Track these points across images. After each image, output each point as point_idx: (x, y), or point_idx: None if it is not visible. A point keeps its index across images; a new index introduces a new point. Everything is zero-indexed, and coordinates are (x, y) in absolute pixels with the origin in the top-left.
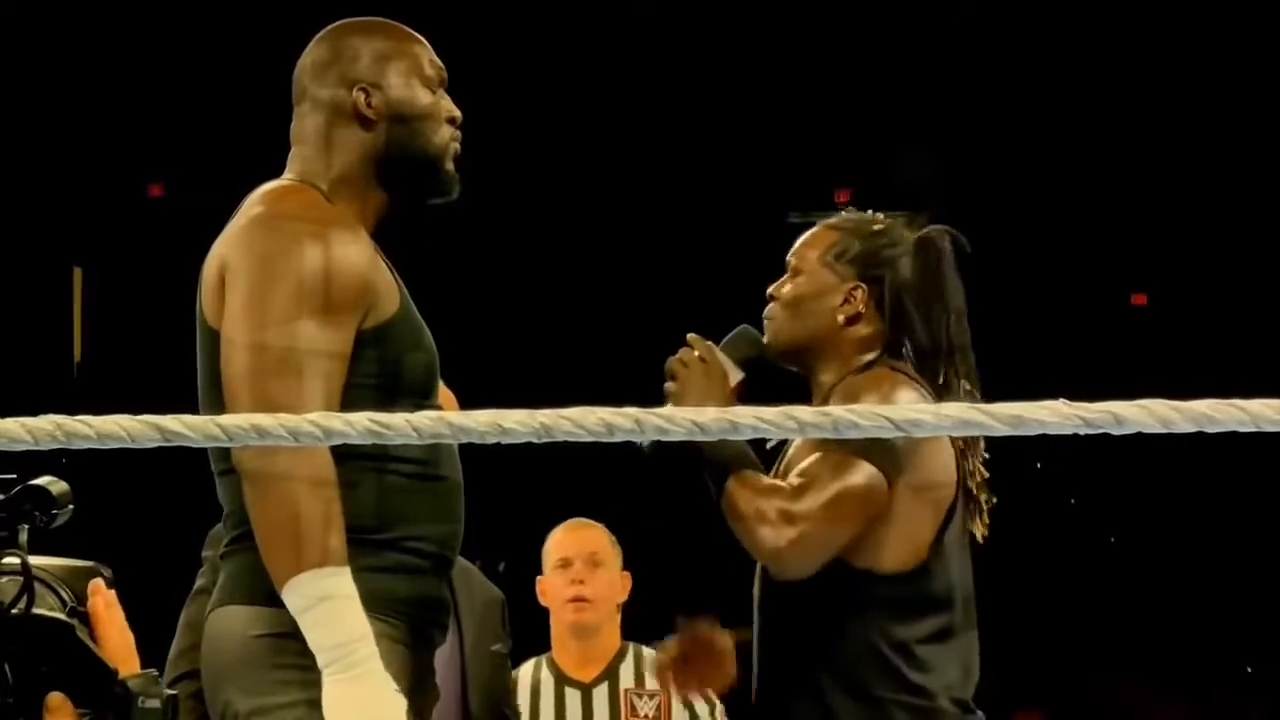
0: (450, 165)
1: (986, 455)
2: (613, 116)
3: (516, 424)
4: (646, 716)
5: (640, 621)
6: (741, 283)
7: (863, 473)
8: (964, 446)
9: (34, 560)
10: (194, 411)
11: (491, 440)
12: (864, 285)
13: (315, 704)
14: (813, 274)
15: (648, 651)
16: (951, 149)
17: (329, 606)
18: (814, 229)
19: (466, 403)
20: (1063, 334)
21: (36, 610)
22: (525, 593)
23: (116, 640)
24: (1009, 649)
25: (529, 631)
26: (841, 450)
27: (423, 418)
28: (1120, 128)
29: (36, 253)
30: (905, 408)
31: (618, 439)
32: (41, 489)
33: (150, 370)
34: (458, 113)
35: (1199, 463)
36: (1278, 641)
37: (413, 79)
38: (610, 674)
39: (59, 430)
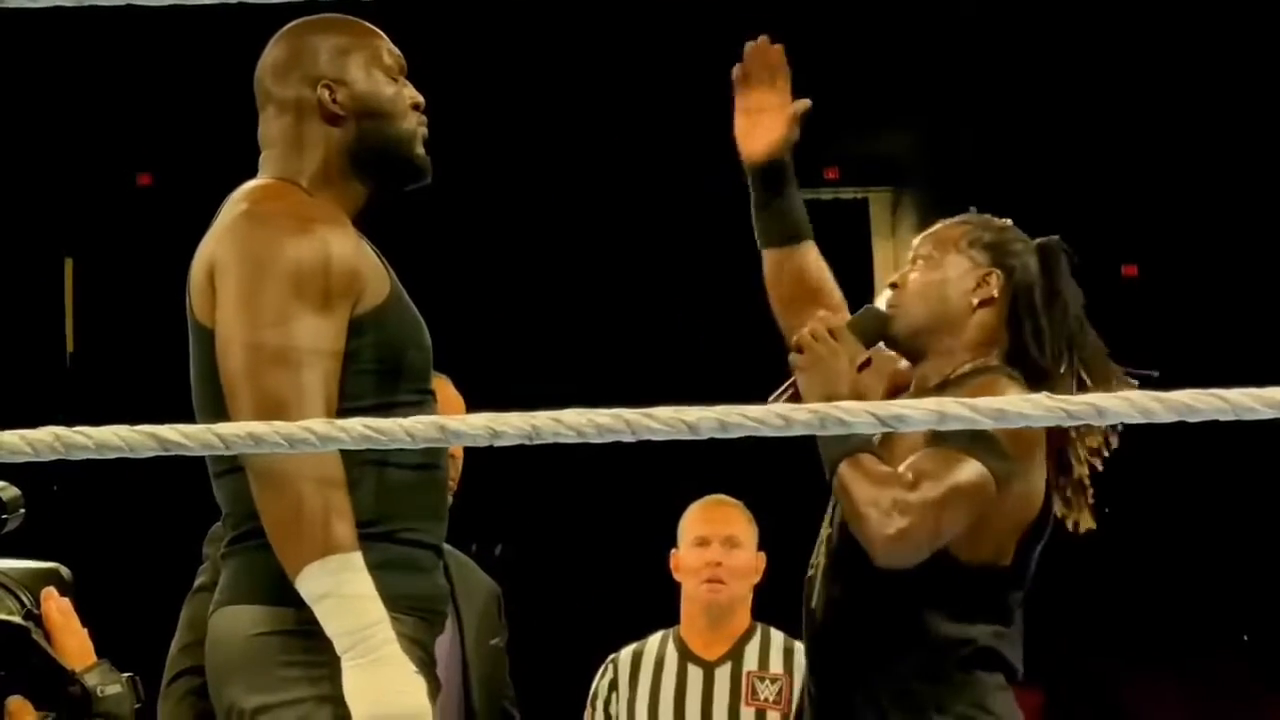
0: (420, 151)
1: (1105, 451)
2: (599, 100)
3: (508, 427)
4: (766, 700)
5: (770, 603)
6: (732, 261)
7: (975, 470)
8: (1063, 444)
9: None
10: (185, 398)
11: (484, 443)
12: (998, 271)
13: (321, 700)
14: (947, 260)
15: (775, 633)
16: (939, 123)
17: (344, 593)
18: (942, 224)
19: (458, 387)
20: None
21: None
22: (524, 575)
23: (72, 644)
24: None
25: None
26: (954, 447)
27: (416, 422)
28: (1110, 98)
29: (28, 244)
30: (891, 404)
31: (607, 440)
32: None
33: (143, 359)
34: (420, 98)
35: (1193, 432)
36: (1274, 612)
37: (374, 70)
38: (735, 654)
39: (58, 441)
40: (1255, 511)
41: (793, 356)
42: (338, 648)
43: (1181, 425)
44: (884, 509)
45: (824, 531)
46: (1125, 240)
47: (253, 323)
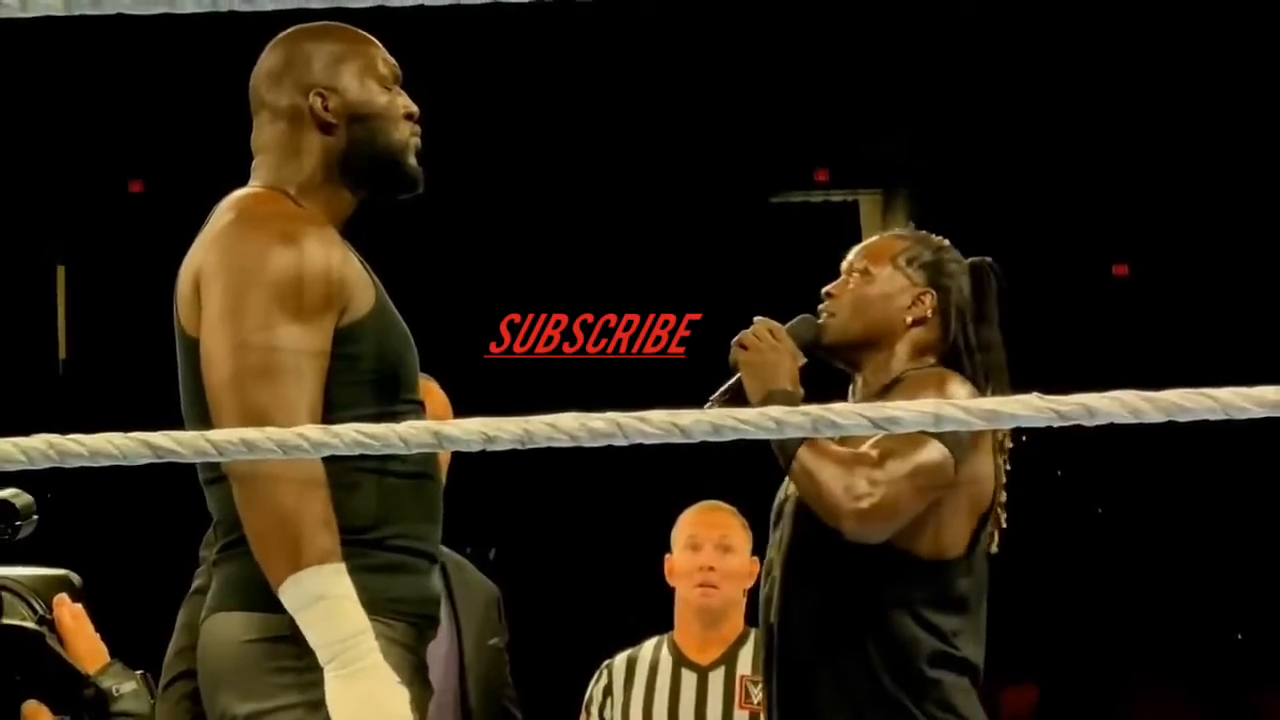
0: (413, 160)
1: (1008, 467)
2: (596, 102)
3: (502, 431)
4: (760, 703)
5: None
6: (726, 262)
7: (937, 449)
8: (999, 454)
9: (3, 571)
10: (178, 405)
11: (477, 448)
12: (933, 291)
13: (313, 706)
14: (883, 275)
15: None
16: (930, 122)
17: (327, 604)
18: (879, 237)
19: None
20: (1044, 305)
21: (7, 620)
22: (518, 579)
23: (85, 648)
24: (1000, 623)
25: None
26: None
27: (409, 427)
28: (1100, 98)
29: (20, 251)
30: (883, 405)
31: (598, 443)
32: (5, 502)
33: (135, 365)
34: (415, 108)
35: (1186, 431)
36: (1267, 610)
37: (368, 79)
38: (729, 659)
39: (52, 449)
40: (1249, 509)
41: (735, 353)
42: (320, 658)
43: (1174, 425)
44: (850, 485)
45: (773, 541)
46: (1116, 240)
47: (237, 334)
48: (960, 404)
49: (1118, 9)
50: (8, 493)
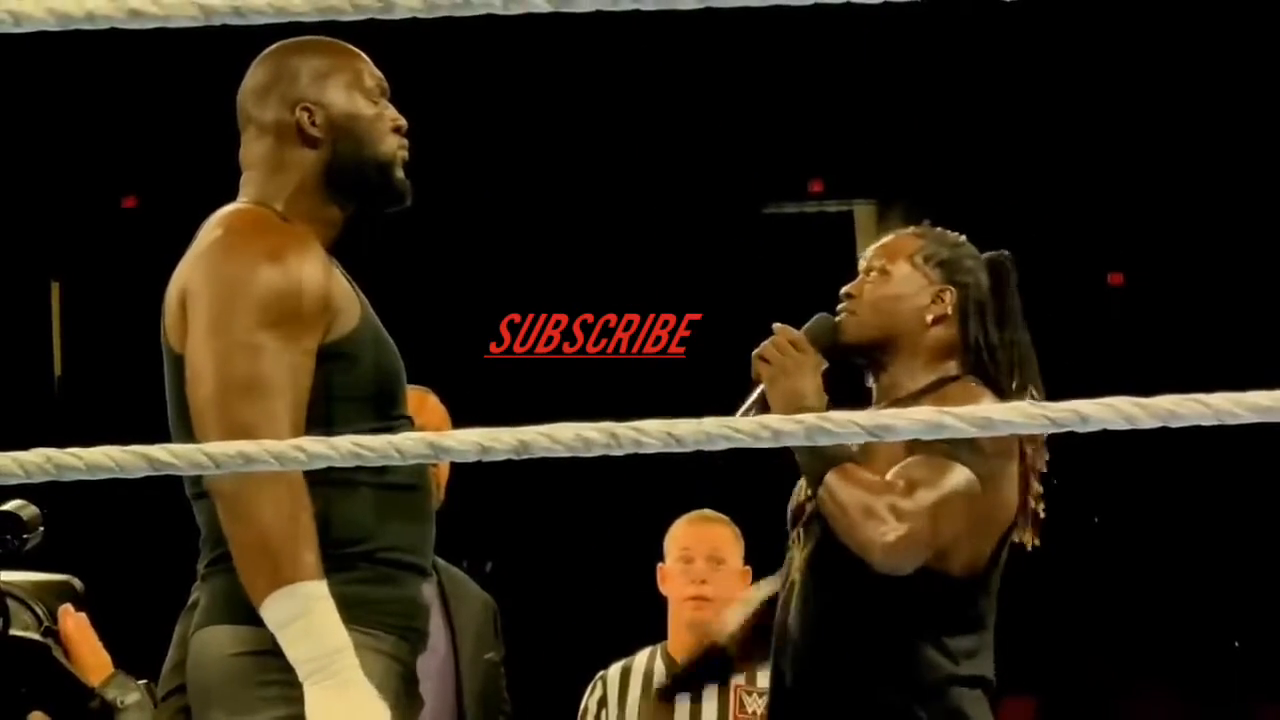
0: (400, 173)
1: (1044, 469)
2: (588, 112)
3: (495, 442)
4: (754, 713)
5: None
6: (719, 273)
7: (964, 476)
8: (1024, 458)
9: (6, 576)
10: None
11: (472, 459)
12: (952, 289)
13: (300, 719)
14: (902, 274)
15: None
16: (924, 131)
17: (307, 621)
18: (895, 235)
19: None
20: (1039, 313)
21: (13, 632)
22: (514, 592)
23: (89, 659)
24: (997, 635)
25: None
26: (941, 453)
27: (405, 439)
28: (1094, 106)
29: (14, 268)
30: (878, 413)
31: (595, 453)
32: (12, 514)
33: (130, 381)
34: (402, 121)
35: (1183, 439)
36: (1265, 620)
37: (354, 92)
38: None
39: (49, 463)
40: (1246, 519)
41: (758, 366)
42: (300, 674)
43: (1171, 433)
44: (881, 516)
45: (793, 551)
46: (1111, 248)
47: (221, 350)
48: (954, 412)
49: (1112, 19)
50: (14, 505)
